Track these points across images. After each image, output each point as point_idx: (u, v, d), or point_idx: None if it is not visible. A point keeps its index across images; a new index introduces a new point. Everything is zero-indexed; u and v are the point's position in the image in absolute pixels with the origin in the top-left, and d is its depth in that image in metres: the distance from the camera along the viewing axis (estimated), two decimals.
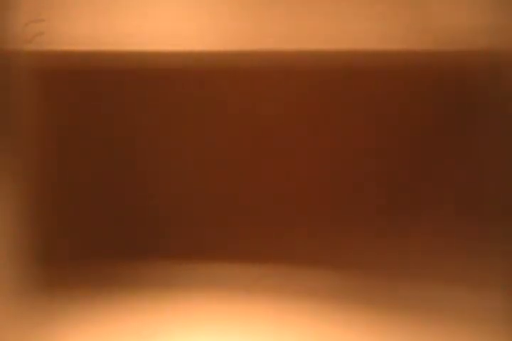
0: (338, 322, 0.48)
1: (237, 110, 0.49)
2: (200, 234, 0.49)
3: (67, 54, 0.49)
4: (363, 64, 0.48)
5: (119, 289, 0.49)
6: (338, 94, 0.49)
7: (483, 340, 0.47)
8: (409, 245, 0.48)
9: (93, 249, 0.50)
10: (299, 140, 0.49)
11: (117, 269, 0.49)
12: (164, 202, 0.50)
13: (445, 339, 0.48)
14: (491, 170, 0.48)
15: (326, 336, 0.48)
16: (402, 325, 0.48)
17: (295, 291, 0.49)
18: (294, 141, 0.49)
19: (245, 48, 0.49)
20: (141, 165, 0.50)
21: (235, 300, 0.49)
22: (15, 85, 0.50)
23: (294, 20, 0.49)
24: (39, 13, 0.50)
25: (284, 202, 0.49)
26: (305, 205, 0.49)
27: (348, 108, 0.49)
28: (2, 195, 0.50)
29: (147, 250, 0.49)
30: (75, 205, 0.50)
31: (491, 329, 0.47)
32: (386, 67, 0.48)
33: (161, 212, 0.50)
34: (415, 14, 0.48)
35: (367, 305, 0.48)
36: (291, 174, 0.49)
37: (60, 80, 0.50)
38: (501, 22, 0.48)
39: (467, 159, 0.49)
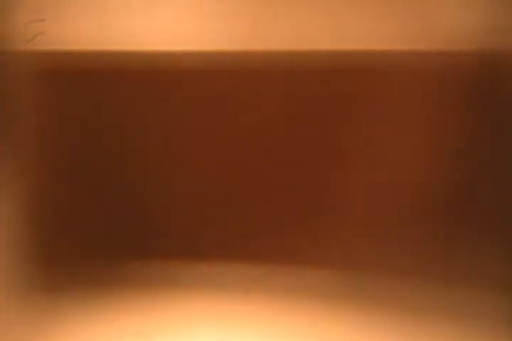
0: (338, 322, 0.48)
1: (237, 110, 0.49)
2: (200, 234, 0.49)
3: (67, 54, 0.49)
4: (363, 64, 0.48)
5: (118, 289, 0.49)
6: (338, 94, 0.49)
7: (483, 340, 0.47)
8: (409, 245, 0.48)
9: (93, 249, 0.50)
10: (299, 139, 0.49)
11: (117, 269, 0.49)
12: (164, 202, 0.50)
13: (445, 339, 0.48)
14: (491, 170, 0.48)
15: (326, 336, 0.48)
16: (402, 325, 0.48)
17: (295, 291, 0.49)
18: (294, 140, 0.49)
19: (245, 48, 0.49)
20: (142, 166, 0.50)
21: (235, 300, 0.49)
22: (15, 85, 0.50)
23: (294, 21, 0.49)
24: (39, 13, 0.50)
25: (284, 202, 0.49)
26: (305, 205, 0.49)
27: (348, 107, 0.49)
28: (2, 194, 0.50)
29: (147, 250, 0.49)
30: (74, 205, 0.50)
31: (491, 329, 0.48)
32: (386, 67, 0.48)
33: (161, 212, 0.50)
34: (415, 14, 0.48)
35: (367, 305, 0.48)
36: (292, 174, 0.49)
37: (60, 80, 0.50)
38: (501, 22, 0.48)
39: (467, 159, 0.49)
